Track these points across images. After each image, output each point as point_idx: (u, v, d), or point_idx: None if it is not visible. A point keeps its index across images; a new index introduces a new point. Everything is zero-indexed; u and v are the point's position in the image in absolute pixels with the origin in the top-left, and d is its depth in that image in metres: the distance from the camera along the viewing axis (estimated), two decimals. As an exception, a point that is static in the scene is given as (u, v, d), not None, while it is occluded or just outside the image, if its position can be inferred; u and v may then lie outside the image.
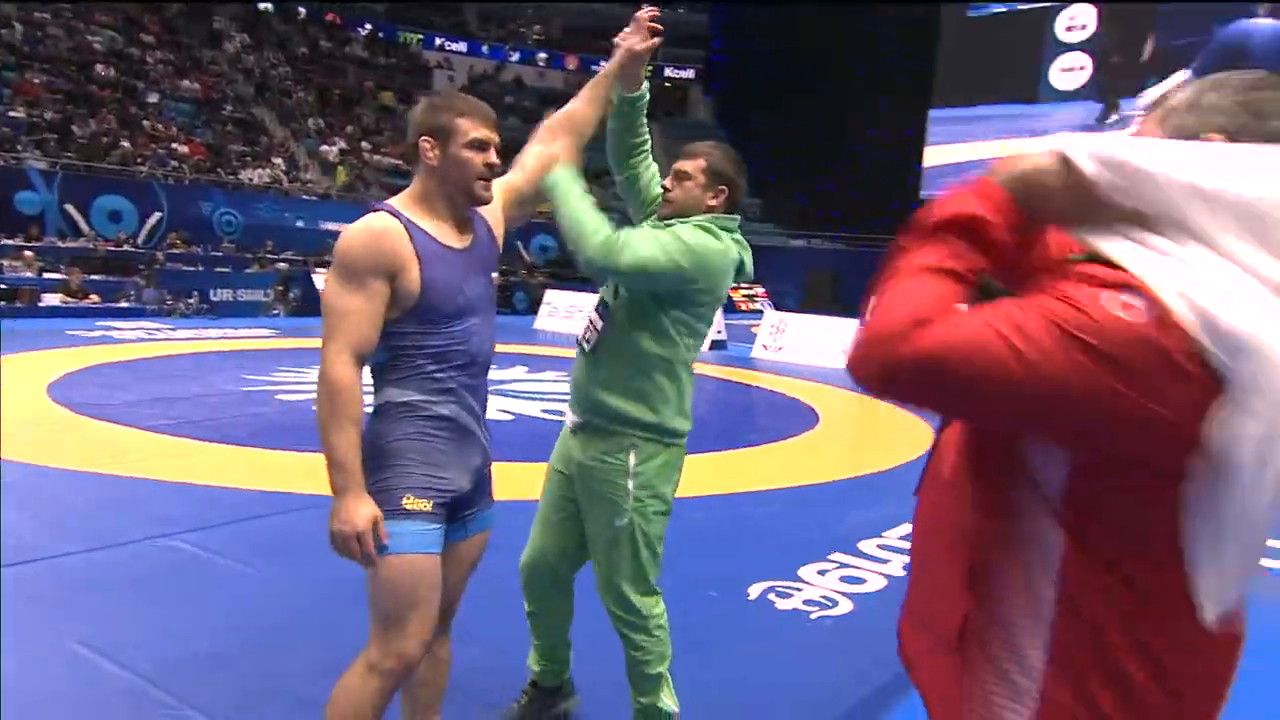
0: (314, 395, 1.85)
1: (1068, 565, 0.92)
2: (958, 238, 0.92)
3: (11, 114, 17.93)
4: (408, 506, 1.85)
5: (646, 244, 2.11)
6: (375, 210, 1.91)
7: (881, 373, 0.89)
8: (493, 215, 2.08)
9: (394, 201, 1.95)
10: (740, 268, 2.30)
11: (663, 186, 2.34)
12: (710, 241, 2.20)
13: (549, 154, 2.20)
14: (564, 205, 2.14)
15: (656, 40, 2.24)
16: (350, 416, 1.81)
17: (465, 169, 1.89)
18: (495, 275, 2.05)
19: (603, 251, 2.08)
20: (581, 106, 2.26)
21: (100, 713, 2.49)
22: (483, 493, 2.08)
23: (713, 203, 2.28)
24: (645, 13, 2.22)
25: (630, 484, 2.24)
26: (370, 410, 1.92)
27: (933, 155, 24.36)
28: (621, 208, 2.50)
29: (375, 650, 1.89)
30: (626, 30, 2.25)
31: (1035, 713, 0.94)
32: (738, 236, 2.31)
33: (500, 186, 2.09)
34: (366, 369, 1.90)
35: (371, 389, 1.93)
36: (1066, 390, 0.82)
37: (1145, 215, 0.87)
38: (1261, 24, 17.39)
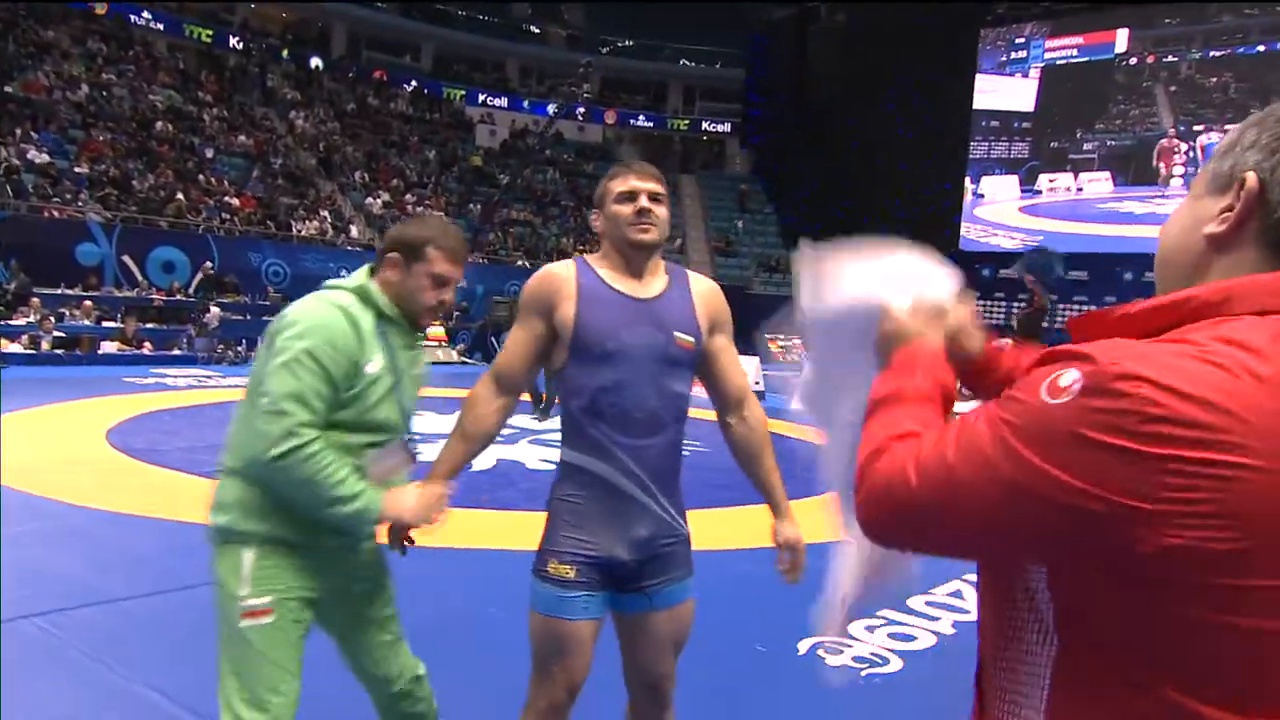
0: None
1: (1056, 688, 0.80)
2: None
3: (76, 169, 18.70)
4: (550, 571, 1.92)
5: None
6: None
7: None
8: (703, 298, 2.02)
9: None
10: None
11: None
12: None
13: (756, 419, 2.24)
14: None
15: None
16: (462, 429, 1.96)
17: (616, 221, 1.94)
18: (687, 338, 1.94)
19: None
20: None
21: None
22: (664, 566, 1.97)
23: None
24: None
25: None
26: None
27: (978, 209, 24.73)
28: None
29: (530, 690, 1.98)
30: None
31: None
32: None
33: (723, 343, 2.07)
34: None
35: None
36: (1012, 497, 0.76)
37: None
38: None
